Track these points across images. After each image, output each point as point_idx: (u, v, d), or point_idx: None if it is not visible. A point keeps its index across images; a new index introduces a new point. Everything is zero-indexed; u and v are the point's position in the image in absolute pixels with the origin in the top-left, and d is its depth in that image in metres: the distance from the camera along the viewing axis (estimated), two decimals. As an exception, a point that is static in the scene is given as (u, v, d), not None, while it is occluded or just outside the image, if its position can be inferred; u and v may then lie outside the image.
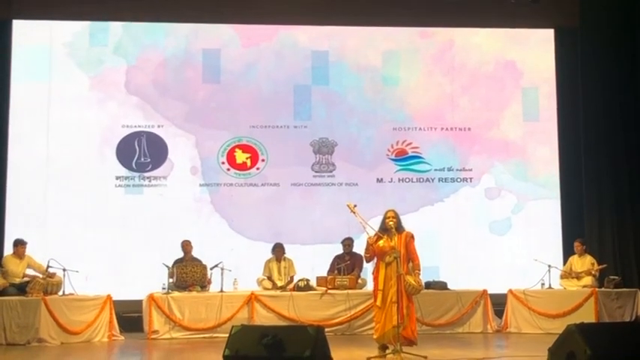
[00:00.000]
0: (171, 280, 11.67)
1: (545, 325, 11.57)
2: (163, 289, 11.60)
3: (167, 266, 11.72)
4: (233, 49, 13.79)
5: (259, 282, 12.20)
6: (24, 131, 13.20)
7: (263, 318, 11.38)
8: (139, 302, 11.59)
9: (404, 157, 13.83)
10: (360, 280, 12.09)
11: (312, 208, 13.58)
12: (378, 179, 13.71)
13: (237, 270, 12.10)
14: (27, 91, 13.28)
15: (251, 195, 13.52)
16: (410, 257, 9.16)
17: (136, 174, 13.38)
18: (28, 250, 11.62)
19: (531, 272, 12.38)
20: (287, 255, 12.47)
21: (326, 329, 7.73)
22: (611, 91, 13.76)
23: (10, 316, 10.57)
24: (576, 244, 12.46)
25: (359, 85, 13.92)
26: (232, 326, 7.45)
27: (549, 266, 11.99)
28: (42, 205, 13.08)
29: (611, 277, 12.09)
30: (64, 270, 11.15)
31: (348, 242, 12.43)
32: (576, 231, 13.33)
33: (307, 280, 11.92)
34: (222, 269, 11.64)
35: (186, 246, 12.22)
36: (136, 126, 13.45)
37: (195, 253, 12.21)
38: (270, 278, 12.23)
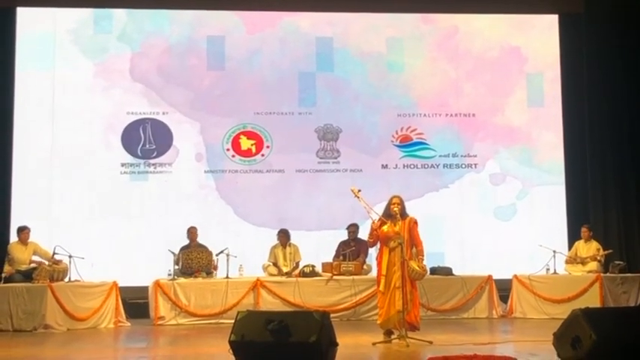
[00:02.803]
0: (176, 267, 11.71)
1: (550, 311, 11.59)
2: (169, 275, 11.65)
3: (173, 252, 11.76)
4: (237, 36, 13.78)
5: (265, 268, 12.24)
6: (29, 119, 13.22)
7: (269, 304, 11.43)
8: (145, 288, 11.66)
9: (409, 144, 13.83)
10: (365, 266, 12.10)
11: (317, 195, 13.58)
12: (382, 165, 13.71)
13: (243, 256, 12.16)
14: (31, 78, 13.28)
15: (256, 181, 13.53)
16: (413, 243, 9.19)
17: (141, 161, 13.39)
18: (34, 238, 11.67)
19: (536, 258, 12.39)
20: (292, 241, 12.49)
21: (331, 315, 7.73)
22: (615, 76, 13.73)
23: (17, 303, 10.64)
24: (583, 230, 12.45)
25: (363, 71, 13.91)
26: (238, 312, 7.44)
27: (554, 252, 12.00)
28: (47, 192, 13.10)
29: (616, 262, 12.09)
30: (70, 257, 11.19)
31: (352, 229, 12.44)
32: (581, 216, 13.34)
33: (313, 266, 11.95)
34: (227, 255, 11.67)
35: (192, 232, 12.24)
36: (140, 113, 13.46)
37: (200, 240, 12.24)
38: (275, 264, 12.26)
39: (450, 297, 11.89)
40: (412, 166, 13.76)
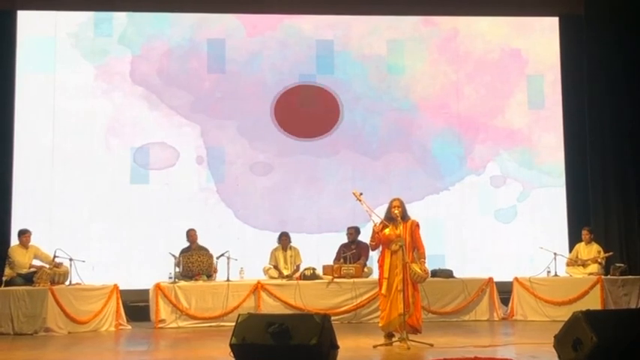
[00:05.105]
0: (177, 270, 11.70)
1: (551, 313, 11.58)
2: (170, 278, 11.64)
3: (173, 255, 11.75)
4: (238, 39, 13.78)
5: (265, 271, 12.23)
6: (29, 122, 13.22)
7: (269, 307, 11.43)
8: (146, 291, 11.66)
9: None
10: (365, 269, 12.10)
11: (317, 197, 13.58)
12: (383, 167, 13.70)
13: (244, 259, 12.13)
14: (32, 81, 13.29)
15: (257, 184, 13.53)
16: (415, 245, 9.20)
17: (142, 163, 13.39)
18: (35, 241, 11.66)
19: (537, 260, 12.43)
20: (293, 244, 12.48)
21: (332, 318, 7.74)
22: (615, 78, 13.70)
23: (18, 306, 10.64)
24: (584, 233, 12.44)
25: (364, 73, 13.91)
26: (239, 315, 7.47)
27: (555, 254, 12.01)
28: (48, 195, 13.10)
29: (617, 264, 12.10)
30: (71, 260, 11.18)
31: (351, 231, 12.44)
32: (582, 218, 13.33)
33: (313, 269, 11.95)
34: (228, 258, 11.67)
35: (191, 235, 12.23)
36: (140, 116, 13.46)
37: (201, 243, 12.22)
38: (276, 267, 12.25)
39: (450, 299, 11.88)
40: (413, 169, 13.75)
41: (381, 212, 9.37)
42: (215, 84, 13.72)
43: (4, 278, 11.27)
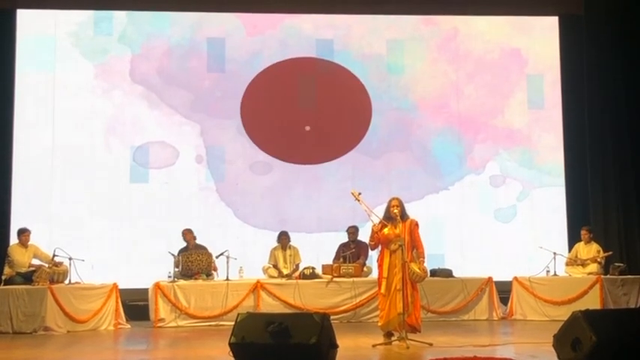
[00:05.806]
0: (176, 269, 11.70)
1: (550, 312, 11.58)
2: (169, 277, 11.64)
3: (173, 255, 11.75)
4: (238, 38, 13.77)
5: (265, 270, 12.23)
6: (29, 121, 13.22)
7: (269, 306, 11.43)
8: (145, 291, 11.65)
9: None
10: (365, 268, 12.10)
11: (317, 197, 13.58)
12: (383, 167, 13.70)
13: (243, 258, 12.16)
14: (32, 80, 13.29)
15: (256, 183, 13.53)
16: (414, 245, 9.20)
17: (142, 162, 13.38)
18: (35, 240, 11.66)
19: (536, 259, 12.42)
20: (292, 243, 12.48)
21: (331, 317, 7.74)
22: (615, 78, 13.69)
23: (17, 305, 10.64)
24: (583, 232, 12.43)
25: (364, 73, 13.89)
26: (238, 314, 7.46)
27: (554, 253, 12.01)
28: (48, 194, 13.10)
29: (617, 264, 12.10)
30: (70, 259, 11.18)
31: (352, 230, 12.45)
32: (581, 218, 13.32)
33: (313, 268, 11.94)
34: (227, 257, 11.66)
35: (186, 234, 12.21)
36: (140, 115, 13.45)
37: (200, 242, 12.22)
38: (275, 266, 12.25)
39: (450, 299, 11.88)
40: (412, 168, 13.75)
41: (380, 211, 9.36)
42: (215, 83, 13.71)
43: (3, 277, 11.28)
